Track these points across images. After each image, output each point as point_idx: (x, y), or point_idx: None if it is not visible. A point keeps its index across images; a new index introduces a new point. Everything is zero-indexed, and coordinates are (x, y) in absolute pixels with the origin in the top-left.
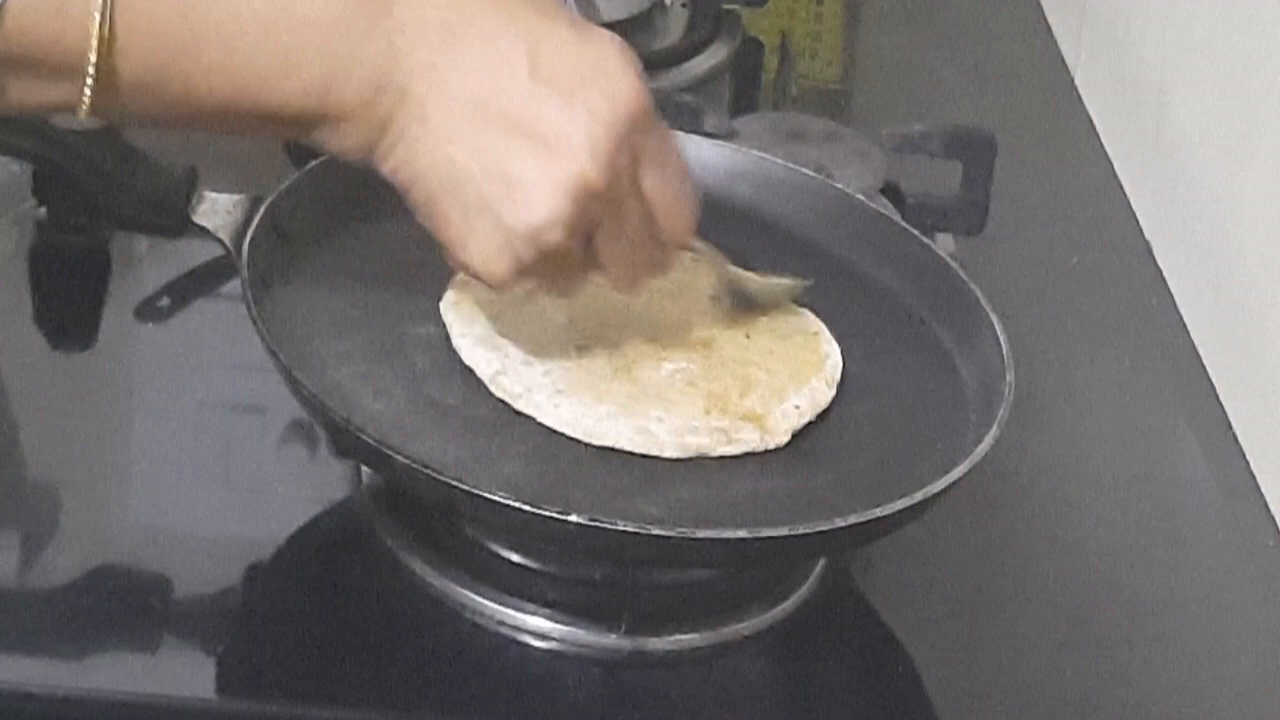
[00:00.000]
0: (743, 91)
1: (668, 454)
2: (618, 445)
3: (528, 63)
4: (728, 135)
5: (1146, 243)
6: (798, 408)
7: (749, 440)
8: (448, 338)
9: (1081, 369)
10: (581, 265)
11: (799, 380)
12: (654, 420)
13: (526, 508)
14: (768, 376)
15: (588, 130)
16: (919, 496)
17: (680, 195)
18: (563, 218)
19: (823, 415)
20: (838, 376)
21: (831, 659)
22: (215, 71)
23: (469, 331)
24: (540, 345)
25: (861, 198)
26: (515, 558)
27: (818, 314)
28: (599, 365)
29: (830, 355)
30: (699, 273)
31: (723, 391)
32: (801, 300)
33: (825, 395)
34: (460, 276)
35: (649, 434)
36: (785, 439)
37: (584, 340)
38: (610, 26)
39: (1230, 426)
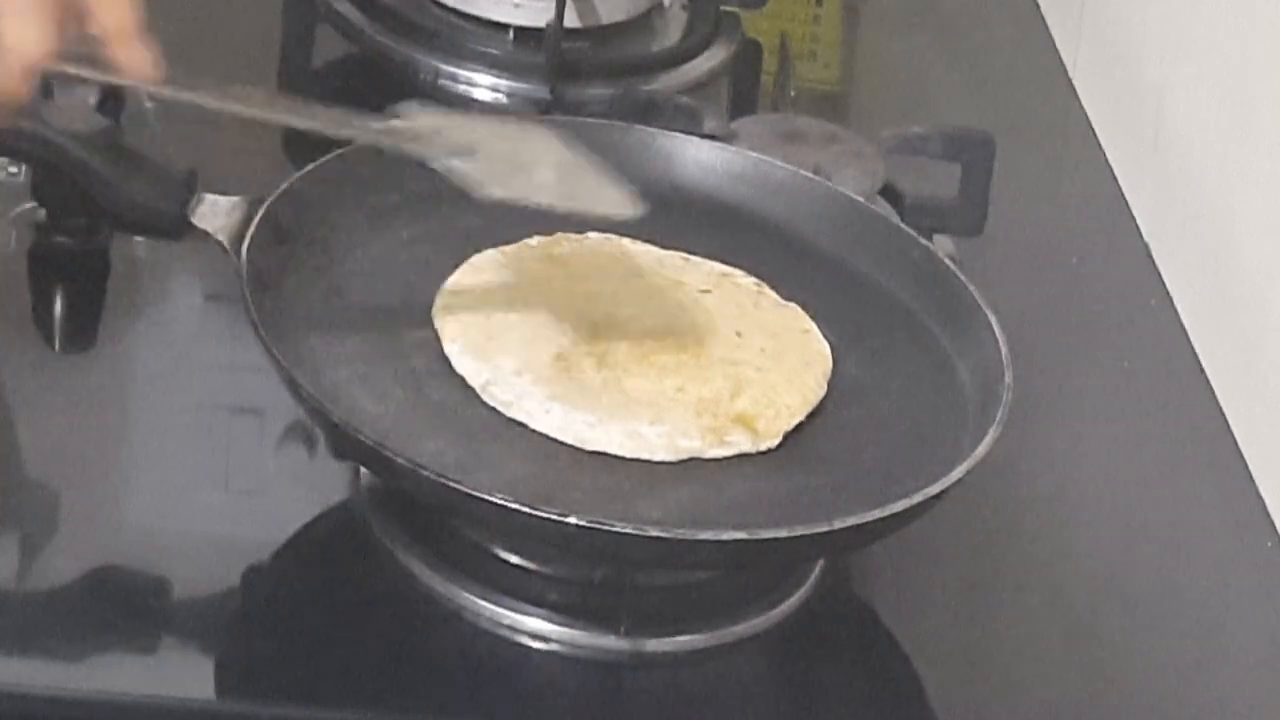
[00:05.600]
0: (741, 93)
1: (659, 457)
2: (609, 451)
3: None
4: (727, 137)
5: (1145, 243)
6: (789, 408)
7: (740, 442)
8: None
9: (1080, 369)
10: None
11: (790, 378)
12: (644, 424)
13: (525, 510)
14: (759, 375)
15: None
16: (918, 498)
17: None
18: None
19: (822, 416)
20: (829, 373)
21: (831, 659)
22: None
23: (458, 338)
24: (529, 353)
25: (860, 199)
26: (514, 559)
27: (816, 316)
28: (588, 371)
29: (821, 352)
30: (689, 272)
31: (713, 394)
32: (799, 301)
33: (817, 393)
34: (450, 282)
35: (640, 438)
36: (777, 440)
37: (573, 345)
38: (609, 28)
39: (1229, 427)
